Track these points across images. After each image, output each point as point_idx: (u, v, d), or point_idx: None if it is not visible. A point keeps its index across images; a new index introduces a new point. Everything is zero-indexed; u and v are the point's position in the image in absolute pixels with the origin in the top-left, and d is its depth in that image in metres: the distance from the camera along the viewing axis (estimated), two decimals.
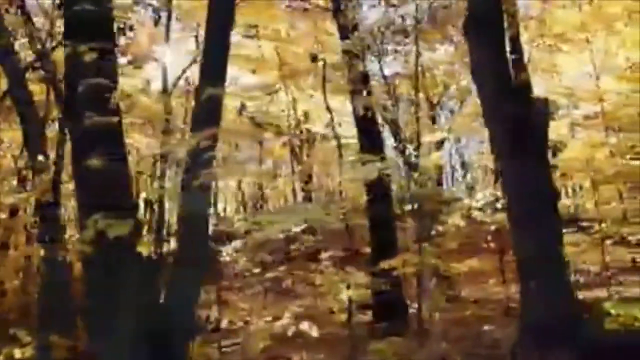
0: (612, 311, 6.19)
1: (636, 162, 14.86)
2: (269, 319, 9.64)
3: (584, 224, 14.85)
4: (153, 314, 5.91)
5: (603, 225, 14.45)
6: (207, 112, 6.38)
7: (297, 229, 11.47)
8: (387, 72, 14.91)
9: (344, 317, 8.99)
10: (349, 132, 13.66)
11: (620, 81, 15.34)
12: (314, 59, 12.94)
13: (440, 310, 13.16)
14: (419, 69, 17.71)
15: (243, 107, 12.39)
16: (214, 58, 6.67)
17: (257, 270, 10.68)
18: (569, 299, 6.13)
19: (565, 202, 22.95)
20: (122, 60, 12.72)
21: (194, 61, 12.66)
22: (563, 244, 6.26)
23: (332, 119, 12.33)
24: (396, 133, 15.96)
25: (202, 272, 6.54)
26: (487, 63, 6.59)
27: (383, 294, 11.34)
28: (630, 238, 13.78)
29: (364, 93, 12.53)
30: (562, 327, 5.77)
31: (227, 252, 11.31)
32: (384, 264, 9.10)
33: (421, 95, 19.04)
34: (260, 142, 19.57)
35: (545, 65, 16.72)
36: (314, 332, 7.51)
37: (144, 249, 5.76)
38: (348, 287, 7.65)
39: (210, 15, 6.92)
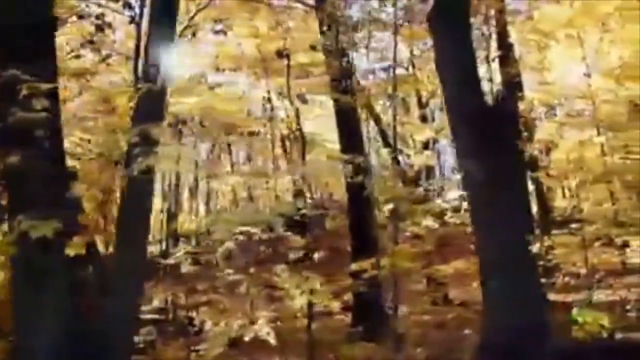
0: (579, 319, 5.88)
1: (627, 161, 14.60)
2: (242, 322, 9.38)
3: (575, 225, 14.58)
4: (82, 317, 5.70)
5: (594, 227, 14.20)
6: (147, 108, 6.16)
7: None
8: (371, 68, 14.63)
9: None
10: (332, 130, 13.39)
11: (612, 79, 15.05)
12: (280, 54, 12.70)
13: (422, 313, 12.92)
14: (410, 68, 17.50)
15: None
16: (156, 54, 6.42)
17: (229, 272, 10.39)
18: (535, 307, 5.81)
19: (560, 204, 22.72)
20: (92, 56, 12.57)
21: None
22: (530, 247, 5.95)
23: (297, 115, 11.98)
24: (383, 132, 15.72)
25: (141, 271, 6.30)
26: (452, 56, 6.31)
27: (362, 297, 11.12)
28: (617, 240, 13.47)
29: (346, 91, 12.26)
30: (525, 336, 5.47)
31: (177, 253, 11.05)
32: (355, 266, 8.82)
33: (413, 93, 18.82)
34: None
35: (535, 62, 16.42)
36: (272, 339, 7.23)
37: (76, 249, 5.49)
38: (302, 293, 7.35)
39: (153, 9, 6.75)
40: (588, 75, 16.10)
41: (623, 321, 8.45)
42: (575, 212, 19.37)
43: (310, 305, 7.77)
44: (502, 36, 13.84)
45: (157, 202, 25.44)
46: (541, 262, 13.79)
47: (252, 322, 7.50)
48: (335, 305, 12.64)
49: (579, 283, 13.58)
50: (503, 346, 5.55)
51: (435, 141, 16.26)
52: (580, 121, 15.74)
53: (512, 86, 13.65)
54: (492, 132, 5.98)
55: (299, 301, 7.58)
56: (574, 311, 6.20)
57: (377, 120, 15.16)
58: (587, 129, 15.64)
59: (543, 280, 13.50)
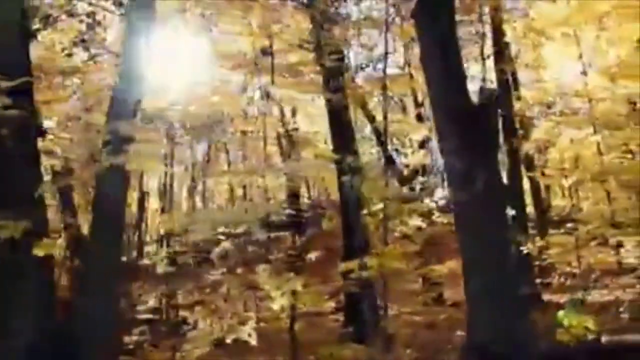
0: (565, 321, 5.75)
1: (623, 160, 14.47)
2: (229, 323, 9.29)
3: (570, 225, 14.46)
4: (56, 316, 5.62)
5: (590, 226, 14.08)
6: (120, 107, 6.05)
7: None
8: (365, 66, 14.50)
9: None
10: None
11: (608, 78, 14.92)
12: (264, 52, 12.55)
13: (414, 313, 12.82)
14: (406, 67, 17.35)
15: None
16: (132, 57, 6.31)
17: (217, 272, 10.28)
18: (520, 309, 5.66)
19: (556, 203, 22.60)
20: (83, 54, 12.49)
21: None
22: (513, 247, 5.82)
23: (282, 113, 11.81)
24: (377, 130, 15.57)
25: (115, 270, 6.17)
26: (437, 53, 6.18)
27: (353, 297, 10.99)
28: (613, 240, 13.34)
29: (337, 89, 12.11)
30: (509, 339, 5.35)
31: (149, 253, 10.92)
32: (344, 267, 8.69)
33: (409, 92, 18.66)
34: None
35: (531, 61, 16.31)
36: (253, 340, 7.12)
37: (45, 249, 5.38)
38: (283, 294, 7.23)
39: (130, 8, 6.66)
40: (584, 73, 15.99)
41: (612, 323, 8.32)
42: (571, 212, 19.30)
43: (293, 306, 7.65)
44: (498, 34, 13.67)
45: (153, 202, 25.50)
46: (536, 262, 13.83)
47: (241, 323, 7.40)
48: (327, 305, 12.61)
49: (574, 283, 13.47)
50: (488, 348, 5.43)
51: (430, 140, 16.12)
52: (577, 120, 15.63)
53: (502, 84, 13.47)
54: (477, 131, 5.86)
55: (281, 302, 7.45)
56: (560, 314, 6.07)
57: (371, 118, 15.01)
58: (583, 128, 15.54)
59: (538, 280, 13.52)
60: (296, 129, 17.34)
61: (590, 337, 5.73)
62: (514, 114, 14.77)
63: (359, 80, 14.21)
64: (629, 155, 13.90)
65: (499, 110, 6.28)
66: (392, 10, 11.34)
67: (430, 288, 14.20)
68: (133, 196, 19.73)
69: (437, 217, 9.05)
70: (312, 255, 18.56)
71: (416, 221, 9.36)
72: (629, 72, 14.48)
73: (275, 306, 7.55)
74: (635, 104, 14.63)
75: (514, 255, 5.87)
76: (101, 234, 5.93)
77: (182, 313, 11.77)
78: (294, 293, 7.16)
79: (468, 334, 5.77)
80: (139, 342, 11.18)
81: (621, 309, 10.25)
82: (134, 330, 11.74)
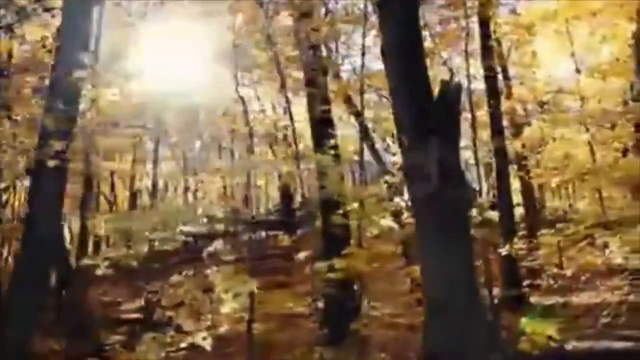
0: (527, 329, 5.45)
1: (616, 158, 14.21)
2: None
3: (560, 225, 14.18)
4: None
5: (581, 226, 13.80)
6: (60, 95, 5.82)
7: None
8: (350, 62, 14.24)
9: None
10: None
11: (600, 76, 14.66)
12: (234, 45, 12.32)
13: (398, 315, 12.54)
14: None
15: None
16: (72, 41, 6.07)
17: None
18: (480, 318, 5.34)
19: (547, 202, 22.27)
20: None
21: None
22: (471, 249, 5.49)
23: (245, 111, 11.52)
24: (365, 129, 15.28)
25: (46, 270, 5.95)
26: (398, 40, 5.89)
27: (330, 299, 10.73)
28: (602, 240, 13.02)
29: (318, 85, 11.86)
30: (469, 348, 5.05)
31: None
32: (316, 268, 8.42)
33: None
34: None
35: (522, 58, 16.03)
36: (207, 345, 6.88)
37: None
38: (235, 295, 6.97)
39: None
40: (578, 71, 15.74)
41: (592, 328, 8.02)
42: (566, 212, 19.00)
43: (251, 309, 7.38)
44: (485, 30, 13.33)
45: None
46: (525, 263, 13.55)
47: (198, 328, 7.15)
48: (303, 308, 12.33)
49: (563, 284, 13.17)
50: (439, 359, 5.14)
51: None
52: (568, 117, 15.37)
53: (489, 81, 13.17)
54: (435, 124, 5.55)
55: (231, 305, 7.20)
56: (523, 321, 5.76)
57: (355, 114, 14.71)
58: (575, 126, 15.27)
59: (527, 282, 13.23)
60: (286, 127, 17.12)
61: (555, 345, 5.43)
62: (503, 111, 14.48)
63: (347, 75, 13.97)
64: (619, 154, 13.61)
65: (460, 105, 5.93)
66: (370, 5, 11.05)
67: (416, 289, 13.91)
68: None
69: (405, 217, 8.76)
70: (302, 255, 18.33)
71: (388, 221, 9.07)
72: (621, 70, 14.25)
73: (226, 309, 7.30)
74: (627, 102, 14.37)
75: (472, 258, 5.52)
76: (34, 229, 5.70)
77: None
78: (251, 295, 6.90)
79: (422, 343, 5.49)
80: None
81: (605, 312, 9.95)
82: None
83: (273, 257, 19.26)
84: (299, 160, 14.08)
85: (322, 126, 11.71)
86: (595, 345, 6.28)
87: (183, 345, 7.15)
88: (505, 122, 14.74)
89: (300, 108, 16.64)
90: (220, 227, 20.03)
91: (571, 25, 15.18)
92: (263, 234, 22.66)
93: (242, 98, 11.72)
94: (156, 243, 15.39)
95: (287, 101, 14.10)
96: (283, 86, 13.42)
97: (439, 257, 5.36)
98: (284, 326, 9.86)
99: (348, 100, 14.08)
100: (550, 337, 5.31)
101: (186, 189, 24.66)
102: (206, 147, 21.96)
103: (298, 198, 24.92)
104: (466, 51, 12.23)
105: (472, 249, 5.56)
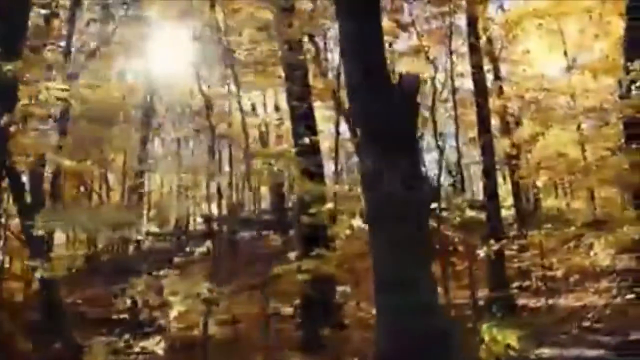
0: (486, 337, 5.18)
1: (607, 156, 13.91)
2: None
3: (551, 225, 13.89)
4: None
5: (572, 227, 13.55)
6: None
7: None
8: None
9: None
10: None
11: (591, 73, 14.40)
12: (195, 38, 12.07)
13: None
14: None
15: None
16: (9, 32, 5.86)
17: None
18: (426, 321, 5.04)
19: (549, 203, 21.94)
20: None
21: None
22: (428, 252, 5.24)
23: (208, 107, 11.20)
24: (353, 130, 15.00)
25: None
26: (357, 33, 5.63)
27: (308, 299, 10.46)
28: (593, 240, 12.74)
29: (300, 82, 11.61)
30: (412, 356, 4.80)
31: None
32: (277, 270, 8.18)
33: None
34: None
35: (513, 56, 15.79)
36: (160, 349, 6.65)
37: None
38: (186, 298, 6.73)
39: None
40: (569, 68, 15.47)
41: (556, 335, 7.68)
42: (557, 211, 18.70)
43: (207, 312, 7.14)
44: (472, 27, 13.05)
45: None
46: (514, 265, 13.28)
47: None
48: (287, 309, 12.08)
49: (552, 286, 12.90)
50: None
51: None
52: (559, 115, 15.09)
53: (476, 79, 12.92)
54: (391, 123, 5.30)
55: (178, 308, 6.95)
56: (483, 328, 5.49)
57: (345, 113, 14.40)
58: (566, 124, 14.98)
59: (515, 284, 12.95)
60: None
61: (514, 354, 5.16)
62: (493, 110, 14.25)
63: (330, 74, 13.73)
64: (608, 153, 13.30)
65: (419, 101, 5.65)
66: None
67: None
68: None
69: None
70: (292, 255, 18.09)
71: (356, 221, 8.82)
72: (613, 67, 13.95)
73: (174, 313, 7.07)
74: (616, 100, 14.08)
75: (428, 258, 5.26)
76: None
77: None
78: (204, 299, 6.65)
79: (375, 344, 5.24)
80: None
81: (589, 315, 9.69)
82: None
83: (262, 257, 19.05)
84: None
85: (302, 123, 11.47)
86: (565, 353, 6.00)
87: (136, 350, 6.93)
88: (496, 121, 14.51)
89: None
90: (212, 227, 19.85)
91: (562, 23, 14.94)
92: (254, 233, 22.44)
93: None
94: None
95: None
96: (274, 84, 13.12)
97: (390, 257, 5.12)
98: (255, 329, 9.57)
99: (336, 98, 13.80)
100: (508, 346, 5.05)
101: (179, 187, 24.41)
102: (198, 146, 21.75)
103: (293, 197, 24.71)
104: (450, 50, 11.97)
105: (430, 248, 5.31)
